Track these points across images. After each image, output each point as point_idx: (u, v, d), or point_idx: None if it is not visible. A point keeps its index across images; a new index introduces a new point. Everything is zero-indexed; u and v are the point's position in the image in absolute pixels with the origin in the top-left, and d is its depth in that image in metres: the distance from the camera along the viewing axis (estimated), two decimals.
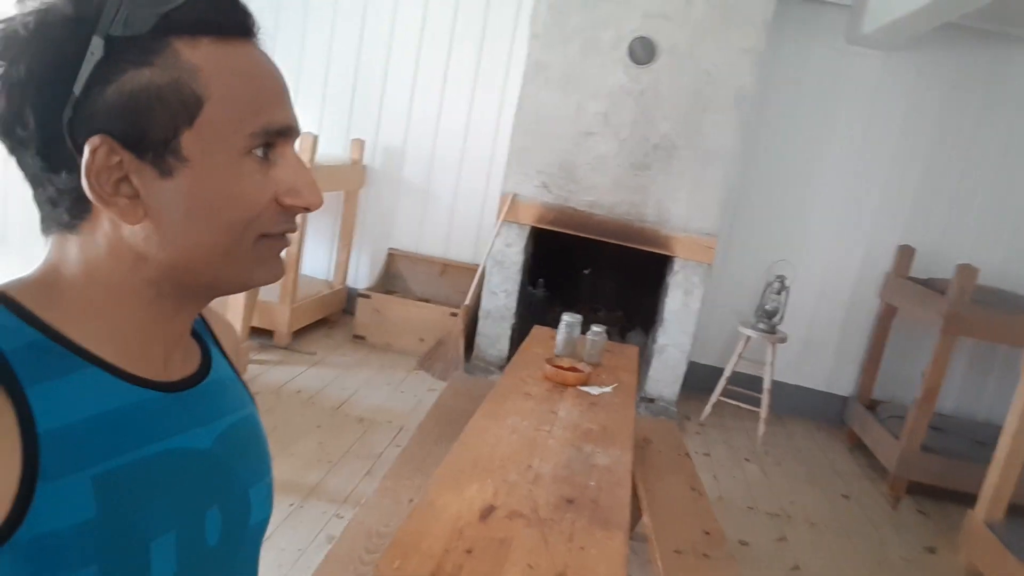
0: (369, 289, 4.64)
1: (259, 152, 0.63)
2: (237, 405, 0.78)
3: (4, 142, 0.61)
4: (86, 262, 0.63)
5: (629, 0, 3.90)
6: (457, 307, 4.41)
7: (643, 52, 3.93)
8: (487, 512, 1.47)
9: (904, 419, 3.76)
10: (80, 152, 0.58)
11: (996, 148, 4.30)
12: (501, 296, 4.33)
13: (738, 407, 4.36)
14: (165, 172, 0.60)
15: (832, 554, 3.07)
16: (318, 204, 0.67)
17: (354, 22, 4.77)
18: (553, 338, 2.79)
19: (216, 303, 0.81)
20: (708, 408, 4.33)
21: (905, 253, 4.25)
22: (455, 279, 4.86)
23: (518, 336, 4.33)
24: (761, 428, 4.17)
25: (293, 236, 0.71)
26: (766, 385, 4.19)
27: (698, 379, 4.54)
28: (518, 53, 4.55)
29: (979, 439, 3.86)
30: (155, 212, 0.61)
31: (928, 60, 4.26)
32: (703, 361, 4.70)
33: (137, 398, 0.63)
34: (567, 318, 2.68)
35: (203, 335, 0.79)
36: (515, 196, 4.17)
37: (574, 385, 2.40)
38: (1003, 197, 4.34)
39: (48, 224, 0.64)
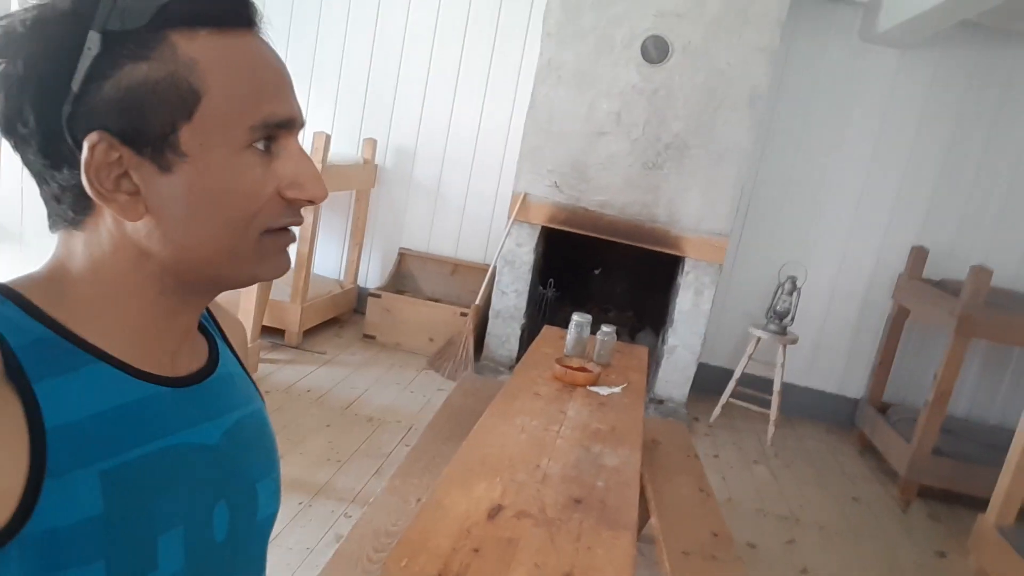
0: (380, 288, 4.65)
1: (260, 145, 0.63)
2: (245, 400, 0.78)
3: (7, 139, 0.61)
4: (91, 258, 0.63)
5: None
6: (467, 307, 4.41)
7: (656, 51, 3.92)
8: (495, 511, 1.47)
9: (915, 422, 3.73)
10: (80, 148, 0.58)
11: (1012, 148, 4.26)
12: (511, 296, 4.33)
13: (748, 409, 4.34)
14: (164, 167, 0.60)
15: (841, 557, 3.05)
16: (322, 196, 0.67)
17: (368, 22, 4.78)
18: (563, 338, 2.79)
19: (228, 303, 0.81)
20: (718, 409, 4.31)
21: (918, 254, 4.22)
22: (465, 279, 4.87)
23: (528, 336, 4.33)
24: (771, 430, 4.15)
25: (300, 230, 0.71)
26: (776, 387, 4.17)
27: (708, 380, 4.53)
28: (530, 52, 4.54)
29: (991, 443, 3.83)
30: (156, 208, 0.61)
31: (944, 58, 4.23)
32: (713, 362, 4.68)
33: (144, 393, 0.63)
34: (577, 318, 2.68)
35: (211, 330, 0.79)
36: (526, 196, 4.17)
37: (583, 385, 2.39)
38: (1019, 198, 4.30)
39: (54, 221, 0.64)
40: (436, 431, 2.49)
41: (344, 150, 4.78)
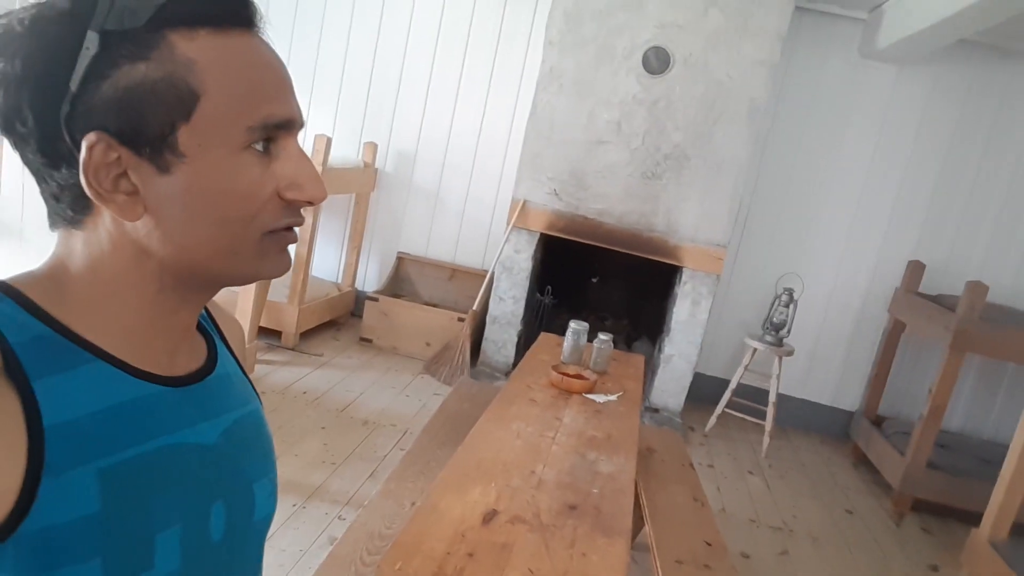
0: (377, 292, 4.65)
1: (259, 147, 0.63)
2: (242, 400, 0.78)
3: (7, 138, 0.61)
4: (90, 257, 0.63)
5: (644, 9, 3.91)
6: (465, 312, 4.41)
7: (657, 62, 3.93)
8: (489, 516, 1.47)
9: (910, 435, 3.74)
10: (78, 148, 0.58)
11: (1008, 165, 4.28)
12: (509, 302, 4.33)
13: (743, 419, 4.35)
14: (163, 168, 0.60)
15: (834, 569, 3.05)
16: (321, 197, 0.67)
17: (371, 26, 4.79)
18: (560, 345, 2.80)
19: (226, 303, 0.81)
20: (713, 419, 4.32)
21: (915, 268, 4.23)
22: (463, 284, 4.87)
23: (524, 343, 4.33)
24: (766, 441, 4.15)
25: (299, 232, 0.71)
26: (771, 398, 4.18)
27: (703, 390, 4.54)
28: (532, 60, 4.56)
29: (985, 457, 3.84)
30: (155, 208, 0.61)
31: (942, 75, 4.25)
32: (709, 372, 4.69)
33: (143, 392, 0.64)
34: (574, 325, 2.68)
35: (209, 330, 0.79)
36: (525, 202, 4.18)
37: (579, 392, 2.40)
38: (1015, 214, 4.32)
39: (54, 219, 0.64)
40: (431, 435, 2.50)
41: (345, 153, 4.79)
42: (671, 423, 4.12)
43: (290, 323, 4.17)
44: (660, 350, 4.31)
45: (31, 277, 0.63)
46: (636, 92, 3.99)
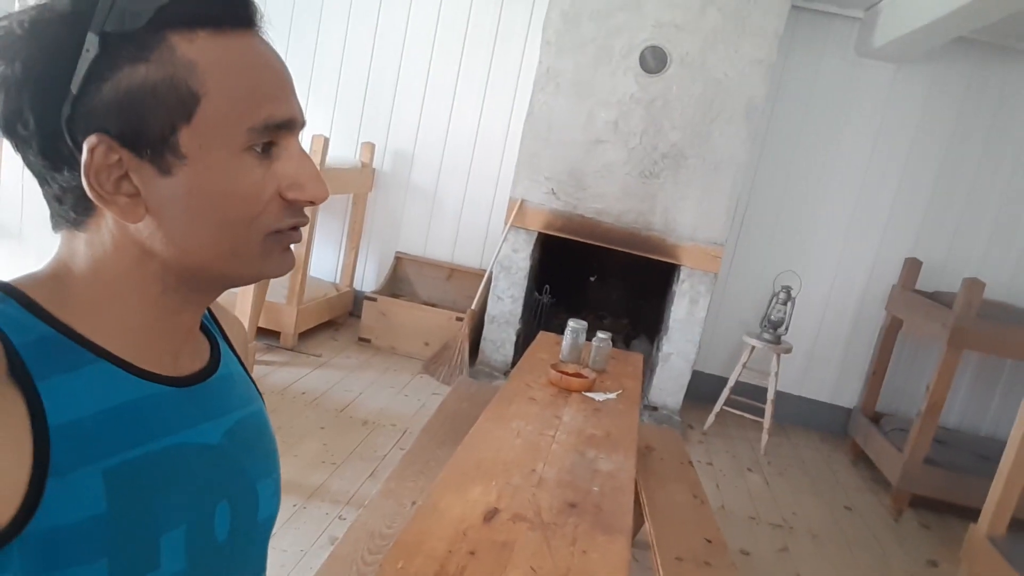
0: (376, 292, 4.65)
1: (260, 147, 0.63)
2: (246, 400, 0.78)
3: (9, 140, 0.61)
4: (93, 258, 0.63)
5: (641, 9, 3.91)
6: (463, 312, 4.42)
7: (654, 61, 3.94)
8: (490, 515, 1.48)
9: (908, 432, 3.75)
10: (79, 150, 0.58)
11: (1005, 162, 4.30)
12: (507, 301, 4.34)
13: (742, 417, 4.36)
14: (164, 170, 0.60)
15: (834, 566, 3.06)
16: (323, 197, 0.66)
17: (368, 27, 4.79)
18: (558, 344, 2.80)
19: (223, 303, 0.82)
20: (711, 417, 4.32)
21: (912, 266, 4.24)
22: (461, 284, 4.88)
23: (523, 342, 4.34)
24: (764, 438, 4.16)
25: (304, 228, 0.71)
26: (770, 395, 4.19)
27: (702, 388, 4.54)
28: (529, 60, 4.57)
29: (983, 453, 3.85)
30: (156, 210, 0.61)
31: (939, 73, 4.26)
32: (707, 370, 4.70)
33: (147, 392, 0.64)
34: (573, 324, 2.69)
35: (212, 330, 0.79)
36: (523, 202, 4.18)
37: (578, 391, 2.40)
38: (1012, 212, 4.33)
39: (57, 221, 0.64)
40: (431, 435, 2.50)
41: (342, 153, 4.79)
42: (670, 421, 4.13)
43: (289, 323, 4.17)
44: (658, 348, 4.31)
45: (34, 278, 0.63)
46: (633, 92, 3.99)
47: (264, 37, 0.65)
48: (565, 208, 4.16)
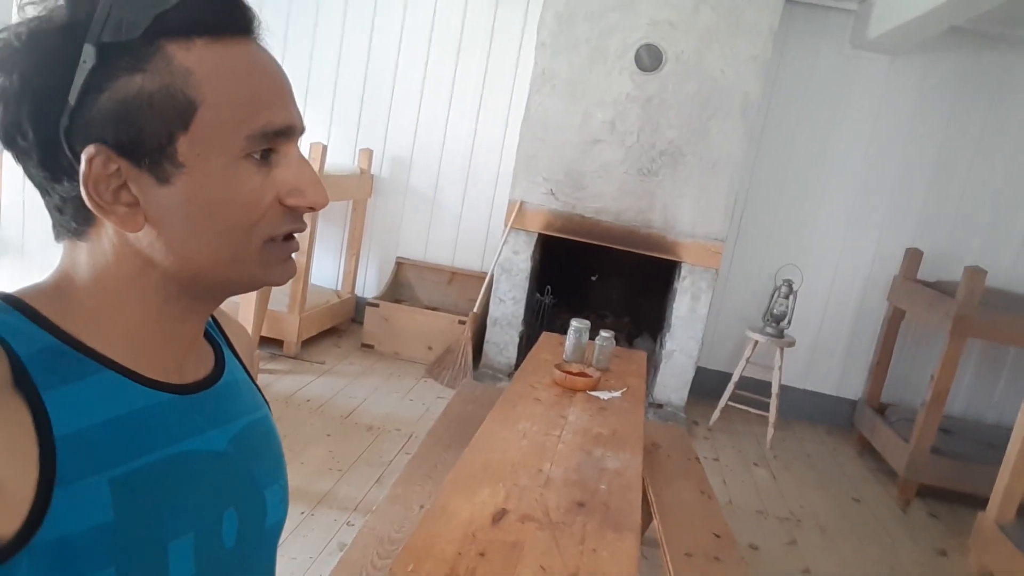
0: (377, 298, 4.65)
1: (259, 154, 0.63)
2: (251, 407, 0.78)
3: (9, 152, 0.61)
4: (95, 268, 0.63)
5: (635, 8, 3.92)
6: (465, 315, 4.42)
7: (649, 60, 3.94)
8: (499, 516, 1.48)
9: (913, 422, 3.75)
10: (78, 161, 0.58)
11: (1003, 150, 4.30)
12: (509, 303, 4.34)
13: (747, 412, 4.35)
14: (163, 179, 0.60)
15: (843, 558, 3.06)
16: (323, 203, 0.66)
17: (363, 33, 4.80)
18: (562, 344, 2.81)
19: (227, 310, 0.82)
20: (716, 413, 4.32)
21: (913, 256, 4.24)
22: (463, 287, 4.88)
23: (526, 343, 4.34)
24: (770, 432, 4.16)
25: (300, 237, 0.70)
26: (774, 389, 4.19)
27: (706, 384, 4.54)
28: (525, 62, 4.57)
29: (989, 441, 3.85)
30: (156, 219, 0.61)
31: (934, 64, 4.26)
32: (711, 366, 4.69)
33: (152, 401, 0.64)
34: (576, 324, 2.69)
35: (216, 337, 0.79)
36: (522, 204, 4.18)
37: (583, 390, 2.40)
38: (1011, 199, 4.33)
39: (59, 231, 0.64)
40: (437, 438, 2.50)
41: (340, 160, 4.79)
42: (675, 418, 4.13)
43: (291, 332, 4.17)
44: (662, 346, 4.31)
45: (37, 289, 0.63)
46: (629, 90, 4.00)
47: (262, 44, 0.65)
48: (564, 208, 4.16)
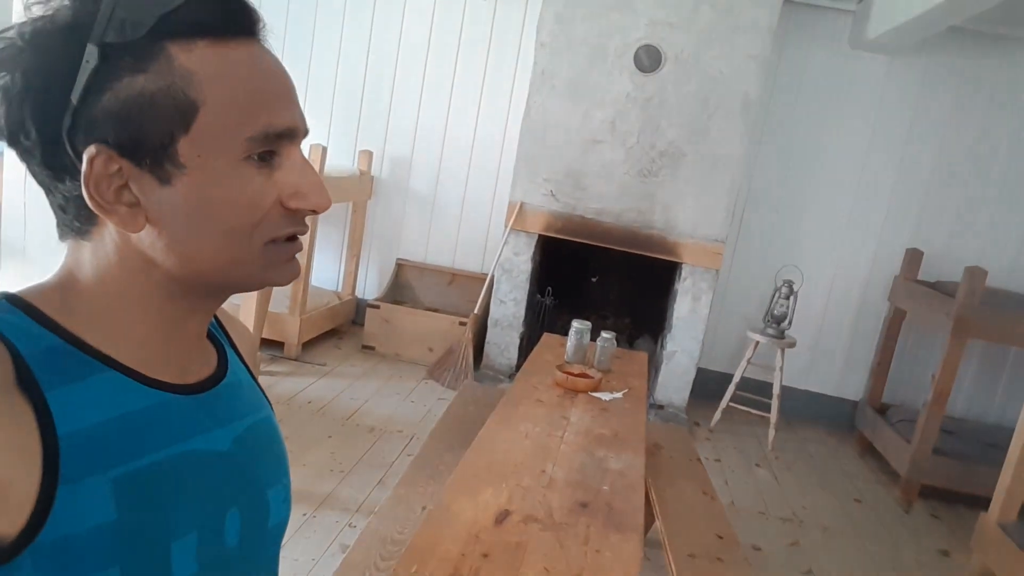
0: (378, 299, 4.65)
1: (260, 156, 0.62)
2: (254, 407, 0.78)
3: (12, 150, 0.61)
4: (98, 267, 0.63)
5: (635, 8, 3.92)
6: (466, 316, 4.41)
7: (649, 60, 3.94)
8: (502, 517, 1.48)
9: (915, 423, 3.74)
10: (80, 160, 0.58)
11: (1002, 150, 4.30)
12: (510, 304, 4.34)
13: (748, 413, 4.35)
14: (164, 179, 0.60)
15: (845, 558, 3.06)
16: (325, 206, 0.66)
17: (362, 35, 4.80)
18: (563, 345, 2.80)
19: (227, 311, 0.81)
20: (718, 414, 4.32)
21: (913, 256, 4.24)
22: (463, 288, 4.88)
23: (527, 344, 4.33)
24: (771, 433, 4.16)
25: (305, 237, 0.70)
26: (776, 390, 4.18)
27: (707, 385, 4.54)
28: (524, 63, 4.57)
29: (991, 441, 3.84)
30: (157, 219, 0.61)
31: (933, 63, 4.27)
32: (712, 367, 4.69)
33: (155, 400, 0.64)
34: (577, 325, 2.69)
35: (219, 337, 0.79)
36: (522, 205, 4.18)
37: (585, 391, 2.40)
38: (1011, 199, 4.33)
39: (62, 230, 0.64)
40: (439, 440, 2.50)
41: (340, 162, 4.79)
42: (676, 419, 4.12)
43: (292, 334, 4.17)
44: (663, 347, 4.31)
45: (41, 289, 0.63)
46: (629, 91, 4.00)
47: (265, 46, 0.65)
48: (564, 209, 4.16)
